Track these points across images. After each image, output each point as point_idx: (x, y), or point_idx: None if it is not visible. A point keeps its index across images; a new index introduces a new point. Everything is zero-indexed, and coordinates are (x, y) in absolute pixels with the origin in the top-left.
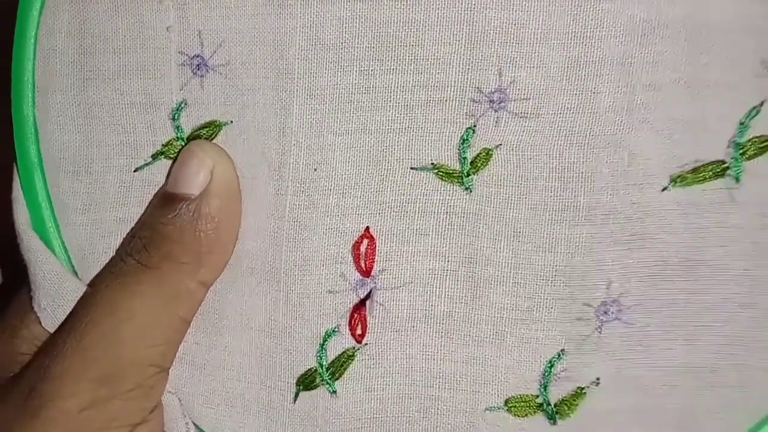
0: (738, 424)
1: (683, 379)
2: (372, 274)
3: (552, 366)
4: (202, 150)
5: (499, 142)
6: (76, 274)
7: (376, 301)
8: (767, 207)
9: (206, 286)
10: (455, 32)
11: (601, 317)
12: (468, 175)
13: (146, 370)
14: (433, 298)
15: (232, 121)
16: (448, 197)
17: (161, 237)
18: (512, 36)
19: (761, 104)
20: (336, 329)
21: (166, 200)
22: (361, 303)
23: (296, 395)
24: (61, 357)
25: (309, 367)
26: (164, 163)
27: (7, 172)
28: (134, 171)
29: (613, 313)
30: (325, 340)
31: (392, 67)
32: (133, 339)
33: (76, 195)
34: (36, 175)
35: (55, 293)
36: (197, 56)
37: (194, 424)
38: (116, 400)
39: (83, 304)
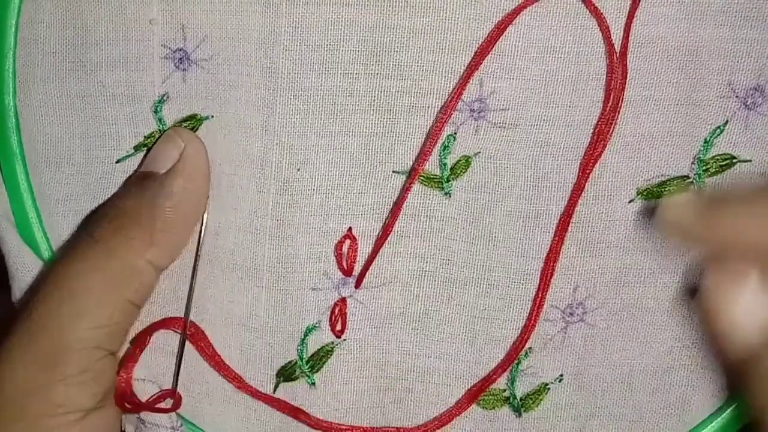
0: (690, 419)
1: (640, 378)
2: (354, 273)
3: (519, 363)
4: (176, 132)
5: (478, 150)
6: None
7: (357, 299)
8: None
9: (156, 268)
10: (439, 41)
11: (566, 318)
12: (448, 180)
13: (92, 353)
14: (411, 297)
15: (213, 116)
16: (428, 201)
17: (117, 211)
18: (494, 48)
19: (725, 124)
20: (317, 325)
21: (137, 178)
22: (342, 301)
23: (276, 386)
24: (7, 340)
25: (289, 360)
26: None
27: None
28: (116, 162)
29: (578, 315)
30: (306, 335)
31: (376, 72)
32: (74, 319)
33: (58, 186)
34: (17, 166)
35: (28, 286)
36: (180, 50)
37: (176, 413)
38: (60, 385)
39: (38, 283)
